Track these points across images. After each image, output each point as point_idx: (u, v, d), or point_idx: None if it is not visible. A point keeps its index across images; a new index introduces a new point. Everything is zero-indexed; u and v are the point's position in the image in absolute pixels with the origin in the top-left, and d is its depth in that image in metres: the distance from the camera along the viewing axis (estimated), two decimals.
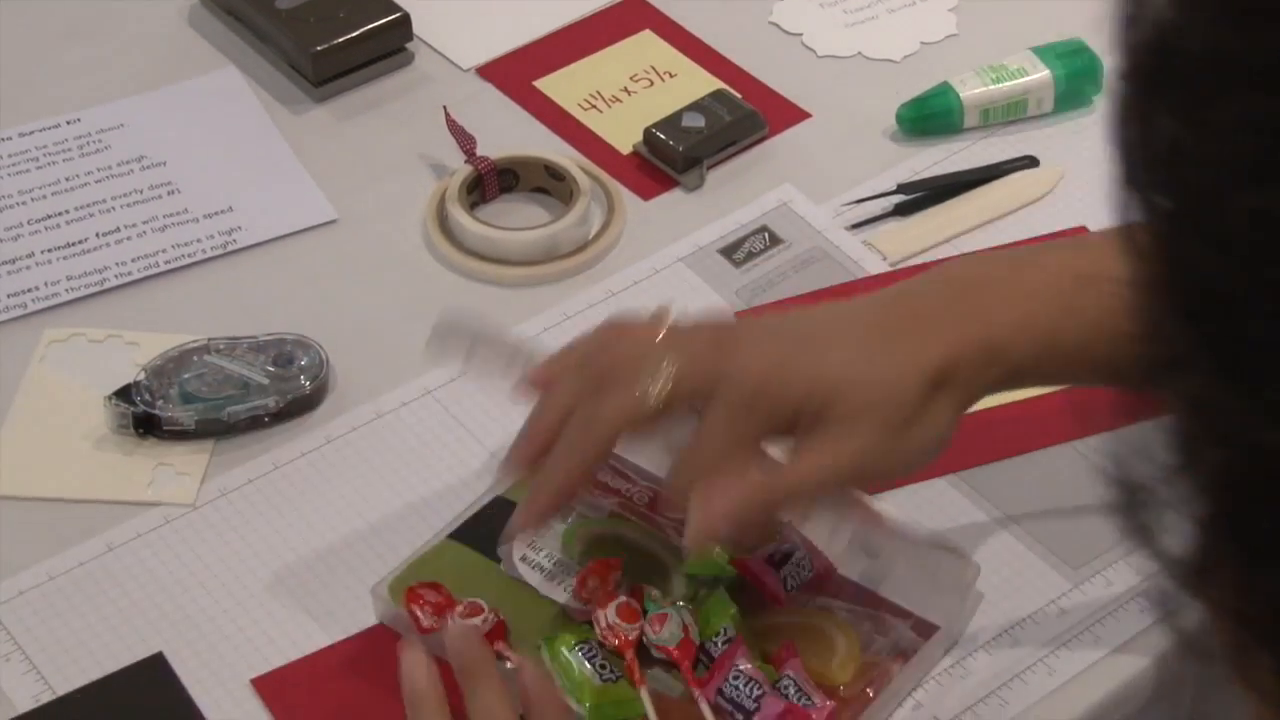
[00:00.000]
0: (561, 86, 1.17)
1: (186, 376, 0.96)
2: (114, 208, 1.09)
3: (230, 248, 1.06)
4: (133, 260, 1.05)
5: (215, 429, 0.95)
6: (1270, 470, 0.42)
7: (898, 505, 0.90)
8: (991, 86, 1.12)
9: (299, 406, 0.96)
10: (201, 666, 0.86)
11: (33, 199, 1.09)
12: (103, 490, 0.93)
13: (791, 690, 0.80)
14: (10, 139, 1.13)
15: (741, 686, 0.80)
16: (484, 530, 0.89)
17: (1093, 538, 0.90)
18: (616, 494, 0.91)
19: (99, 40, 1.21)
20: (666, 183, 1.11)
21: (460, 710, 0.77)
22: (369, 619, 0.87)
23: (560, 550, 0.88)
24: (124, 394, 0.95)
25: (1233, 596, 0.44)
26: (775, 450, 0.80)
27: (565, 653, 0.82)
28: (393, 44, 1.18)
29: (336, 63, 1.16)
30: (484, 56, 1.20)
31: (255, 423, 0.96)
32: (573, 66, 1.19)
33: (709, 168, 1.11)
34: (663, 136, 1.11)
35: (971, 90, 1.12)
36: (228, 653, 0.86)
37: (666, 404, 0.78)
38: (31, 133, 1.14)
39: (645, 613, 0.84)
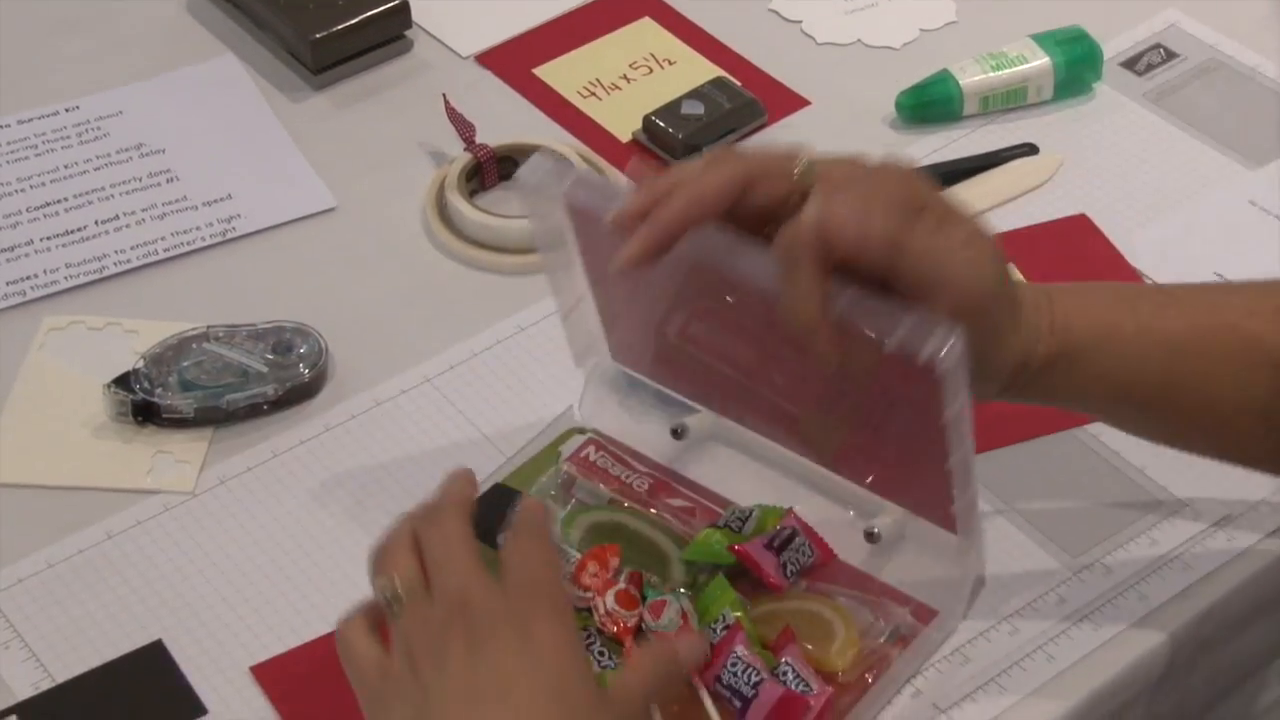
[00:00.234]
0: (561, 74, 1.17)
1: (185, 364, 0.96)
2: (113, 195, 1.09)
3: (229, 235, 1.06)
4: (132, 248, 1.05)
5: (214, 417, 0.95)
6: None
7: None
8: (991, 74, 1.12)
9: (298, 394, 0.96)
10: (201, 654, 0.86)
11: (31, 186, 1.09)
12: (102, 478, 0.93)
13: (790, 676, 0.80)
14: (9, 126, 1.13)
15: (740, 673, 0.80)
16: (483, 518, 0.89)
17: (1092, 525, 0.90)
18: (616, 481, 0.91)
19: (98, 28, 1.21)
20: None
21: None
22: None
23: (559, 537, 0.88)
24: (123, 382, 0.95)
25: None
26: None
27: None
28: (392, 31, 1.18)
29: (335, 50, 1.16)
30: (483, 44, 1.19)
31: (254, 410, 0.96)
32: (572, 54, 1.19)
33: None
34: (662, 124, 1.11)
35: (971, 78, 1.12)
36: (227, 640, 0.86)
37: (803, 175, 0.76)
38: (30, 120, 1.14)
39: (644, 599, 0.84)
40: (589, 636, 0.83)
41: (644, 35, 1.20)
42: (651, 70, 1.17)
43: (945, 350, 0.74)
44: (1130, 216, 1.07)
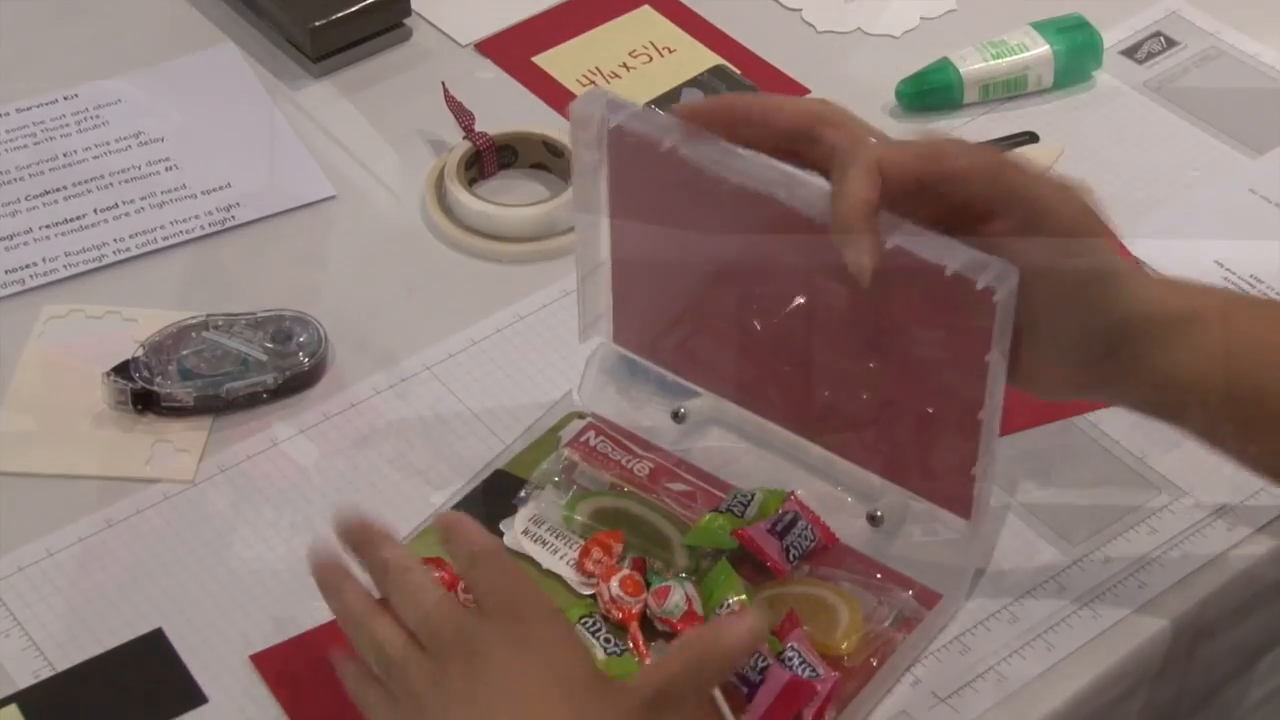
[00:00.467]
0: (560, 62, 1.17)
1: (185, 353, 0.96)
2: (112, 184, 1.09)
3: (229, 224, 1.06)
4: (131, 236, 1.05)
5: (214, 405, 0.95)
6: None
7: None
8: (991, 62, 1.12)
9: (298, 383, 0.96)
10: (201, 643, 0.86)
11: (30, 174, 1.09)
12: (101, 467, 0.93)
13: (796, 662, 0.80)
14: (8, 114, 1.13)
15: (745, 659, 0.80)
16: (484, 504, 0.90)
17: (1092, 514, 0.90)
18: (617, 466, 0.91)
19: (97, 16, 1.20)
20: None
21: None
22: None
23: (562, 523, 0.88)
24: (122, 370, 0.95)
25: None
26: None
27: None
28: (391, 19, 1.18)
29: (335, 38, 1.16)
30: (483, 32, 1.19)
31: (254, 399, 0.96)
32: (572, 42, 1.19)
33: None
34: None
35: (971, 66, 1.12)
36: (226, 629, 0.86)
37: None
38: (29, 108, 1.14)
39: (648, 585, 0.84)
40: (594, 623, 0.83)
41: (644, 23, 1.20)
42: (651, 58, 1.17)
43: (1004, 278, 0.75)
44: (1131, 205, 1.06)
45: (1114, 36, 1.17)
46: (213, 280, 1.03)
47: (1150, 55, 1.17)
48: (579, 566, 0.86)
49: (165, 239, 1.05)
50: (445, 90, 1.10)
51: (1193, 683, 0.92)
